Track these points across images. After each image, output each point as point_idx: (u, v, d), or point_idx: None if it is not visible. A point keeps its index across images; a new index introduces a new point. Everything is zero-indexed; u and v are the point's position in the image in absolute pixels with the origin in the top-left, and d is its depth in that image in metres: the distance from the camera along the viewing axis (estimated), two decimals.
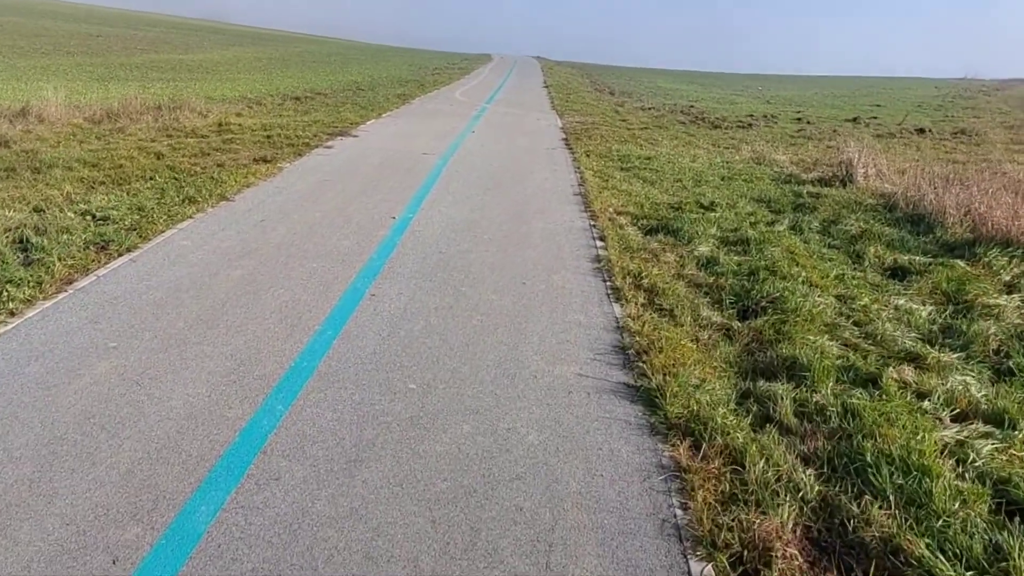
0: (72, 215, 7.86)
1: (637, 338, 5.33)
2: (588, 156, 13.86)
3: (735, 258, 7.49)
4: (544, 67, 69.56)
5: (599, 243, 8.06)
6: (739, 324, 5.75)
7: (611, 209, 9.55)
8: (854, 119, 26.42)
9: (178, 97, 20.10)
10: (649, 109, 27.23)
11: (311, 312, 5.63)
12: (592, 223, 8.94)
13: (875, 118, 27.23)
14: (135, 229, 7.50)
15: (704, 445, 3.84)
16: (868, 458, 3.62)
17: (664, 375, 4.61)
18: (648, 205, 9.90)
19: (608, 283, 6.72)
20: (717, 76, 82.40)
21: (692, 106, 29.29)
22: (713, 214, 9.46)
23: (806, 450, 3.82)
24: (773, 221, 9.27)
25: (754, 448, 3.75)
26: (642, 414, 4.28)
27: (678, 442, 3.90)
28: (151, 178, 9.82)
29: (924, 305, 6.22)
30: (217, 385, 4.42)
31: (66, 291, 5.88)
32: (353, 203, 9.17)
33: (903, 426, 3.91)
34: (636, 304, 6.08)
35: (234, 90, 24.55)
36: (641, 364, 4.85)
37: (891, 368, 4.78)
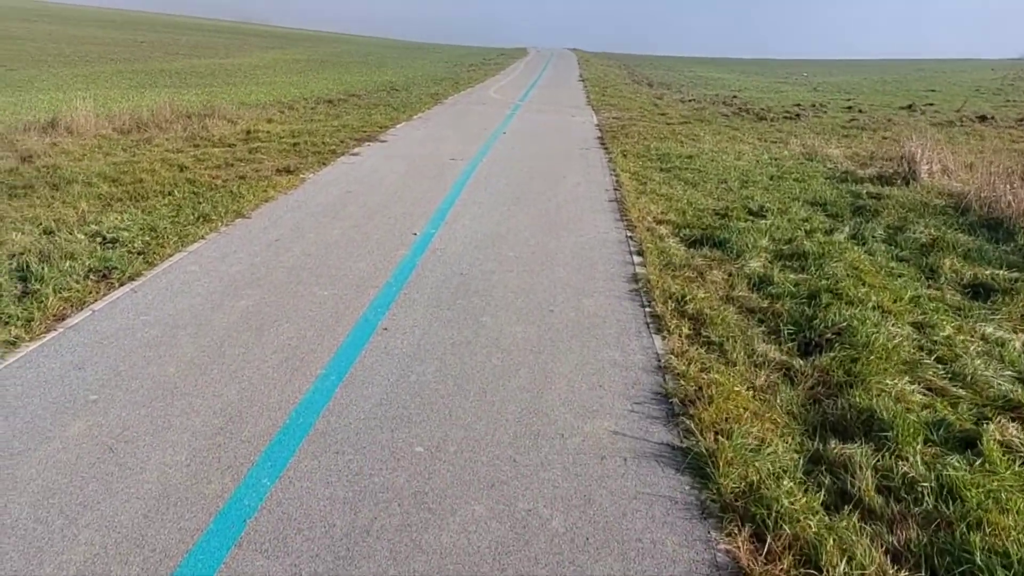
0: (82, 237, 7.44)
1: (682, 382, 4.64)
2: (625, 156, 13.11)
3: (792, 276, 6.73)
4: (580, 59, 68.57)
5: (637, 259, 7.36)
6: (801, 362, 5.01)
7: (650, 217, 8.83)
8: (909, 106, 25.16)
9: (211, 103, 19.83)
10: (689, 101, 26.27)
11: (315, 352, 5.05)
12: (629, 234, 8.24)
13: (931, 104, 25.91)
14: (143, 253, 7.04)
15: (768, 536, 3.15)
16: (977, 559, 2.88)
17: (716, 434, 3.93)
18: (691, 212, 9.15)
19: (647, 308, 6.02)
20: (758, 63, 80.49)
21: (735, 96, 28.24)
22: (764, 221, 8.68)
23: (896, 542, 3.10)
24: (831, 229, 8.45)
25: (831, 541, 3.04)
26: (690, 488, 3.60)
27: (736, 530, 3.22)
28: (170, 193, 9.38)
29: (1016, 333, 5.40)
30: (199, 450, 3.86)
31: (56, 330, 5.39)
32: (374, 218, 8.60)
33: (1018, 511, 3.16)
34: (680, 336, 5.38)
35: (269, 94, 24.27)
36: (687, 419, 4.16)
37: (990, 424, 4.00)
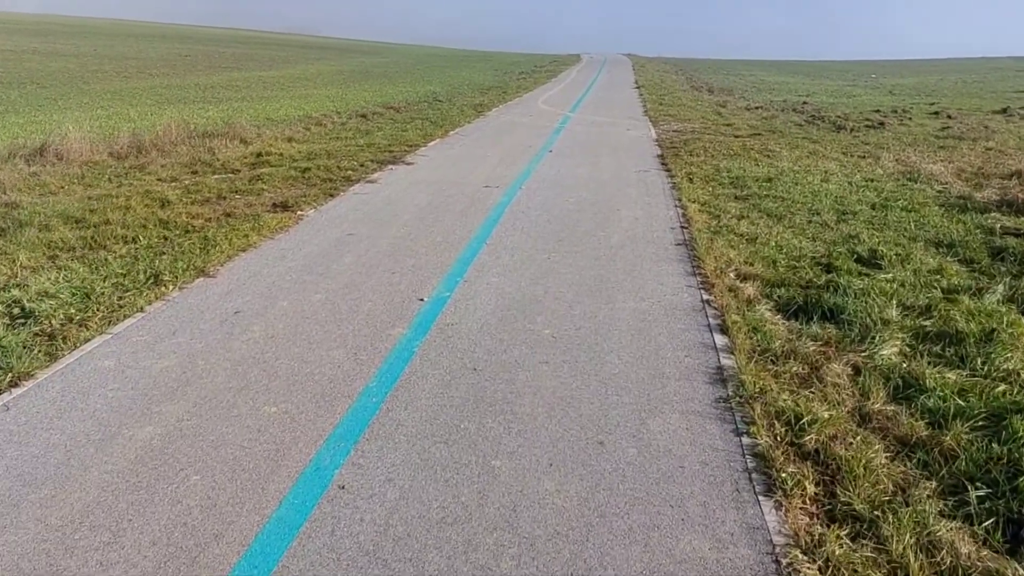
0: None
1: None
2: (691, 181, 11.02)
3: (950, 375, 4.61)
4: (635, 65, 66.21)
5: (719, 339, 5.32)
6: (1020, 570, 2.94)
7: (731, 270, 6.77)
8: (1003, 110, 22.45)
9: (233, 120, 18.39)
10: (756, 108, 23.94)
11: (223, 539, 3.16)
12: (705, 296, 6.20)
13: None
14: (53, 337, 5.28)
15: None
16: None
17: None
18: (783, 261, 7.06)
19: (745, 438, 3.99)
20: (821, 65, 77.08)
21: (804, 102, 25.79)
22: (882, 275, 6.55)
23: None
24: (978, 288, 6.27)
25: None
26: None
27: None
28: (133, 240, 7.71)
29: None
30: None
31: None
32: (373, 274, 6.73)
33: None
34: (804, 501, 3.37)
35: (300, 108, 22.81)
36: None
37: None
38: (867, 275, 6.58)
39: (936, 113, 22.13)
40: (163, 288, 6.30)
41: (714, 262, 6.97)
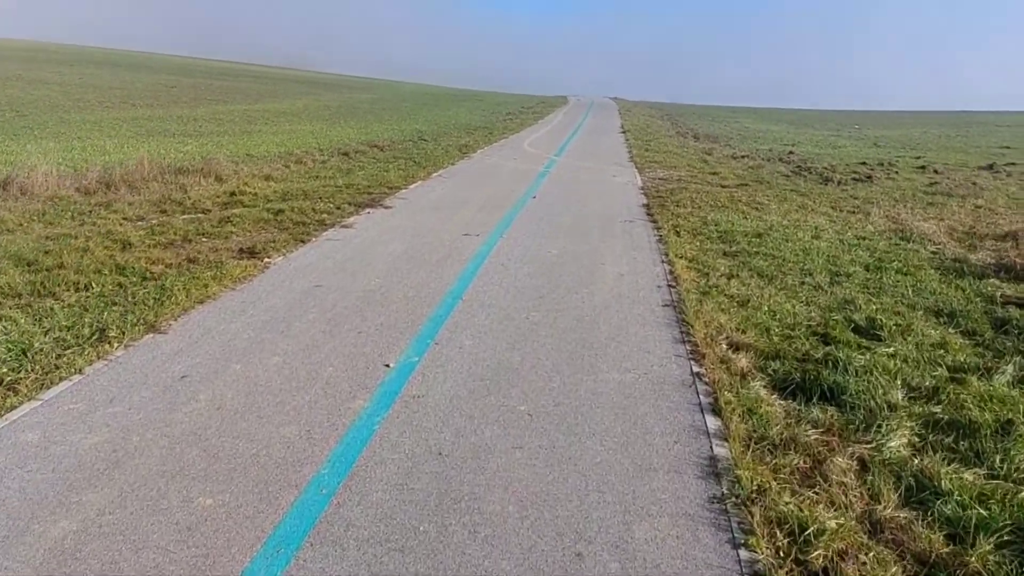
0: None
1: None
2: (678, 234, 10.63)
3: (967, 475, 4.16)
4: (621, 109, 66.63)
5: (712, 422, 4.85)
6: None
7: (722, 338, 6.32)
8: (989, 166, 22.40)
9: (211, 155, 17.96)
10: (743, 157, 23.78)
11: None
12: (696, 368, 5.74)
13: (1013, 164, 23.12)
14: None
15: None
16: None
17: None
18: (777, 329, 6.63)
19: (743, 551, 3.50)
20: (803, 114, 77.98)
21: (791, 152, 25.71)
22: (883, 349, 6.14)
23: None
24: (987, 368, 5.85)
25: None
26: None
27: None
28: (86, 287, 7.20)
29: None
30: None
31: None
32: (338, 333, 6.24)
33: None
34: None
35: (282, 144, 22.40)
36: None
37: None
38: (867, 348, 6.16)
39: (922, 167, 22.05)
40: (108, 346, 5.77)
41: (704, 328, 6.52)
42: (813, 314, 7.13)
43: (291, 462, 4.17)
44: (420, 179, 15.62)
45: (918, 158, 25.32)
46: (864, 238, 10.93)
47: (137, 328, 6.14)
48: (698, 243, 10.09)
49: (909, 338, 6.45)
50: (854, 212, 13.55)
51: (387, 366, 5.58)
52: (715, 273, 8.50)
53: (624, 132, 35.11)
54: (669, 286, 8.01)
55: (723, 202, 13.71)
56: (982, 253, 10.38)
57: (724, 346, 6.16)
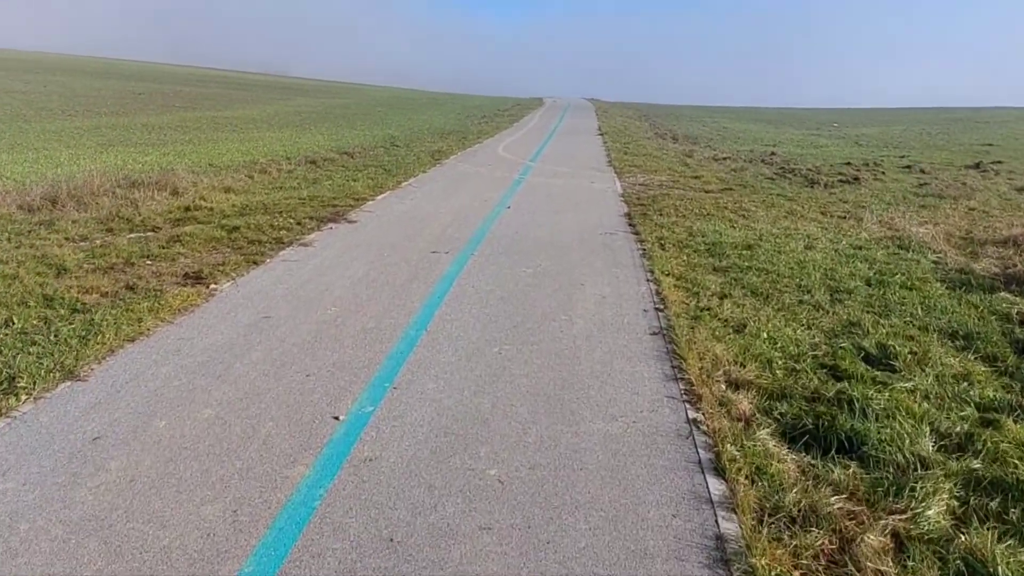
0: None
1: None
2: (663, 247, 9.93)
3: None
4: (598, 110, 66.02)
5: (715, 485, 4.13)
6: None
7: (720, 374, 5.62)
8: (976, 165, 21.95)
9: (171, 166, 17.11)
10: (724, 159, 23.18)
11: None
12: (692, 414, 5.02)
13: (999, 162, 22.67)
14: None
15: None
16: None
17: None
18: (780, 361, 5.93)
19: None
20: (780, 113, 77.87)
21: (772, 153, 25.15)
22: (902, 384, 5.44)
23: None
24: (1020, 406, 5.16)
25: None
26: None
27: None
28: (6, 323, 6.37)
29: None
30: None
31: None
32: (284, 376, 5.45)
33: None
34: None
35: (249, 153, 21.51)
36: None
37: None
38: (883, 384, 5.46)
39: (908, 167, 21.54)
40: (14, 399, 4.95)
41: (698, 361, 5.80)
42: (817, 339, 6.45)
43: (209, 557, 3.39)
44: (389, 189, 14.83)
45: (903, 157, 24.85)
46: (861, 247, 10.28)
47: (53, 375, 5.32)
48: (685, 257, 9.38)
49: (928, 368, 5.76)
50: (845, 217, 12.93)
51: (336, 419, 4.81)
52: (706, 292, 7.79)
53: (602, 134, 34.45)
54: (657, 309, 7.28)
55: (708, 209, 13.03)
56: (986, 261, 9.78)
57: (722, 384, 5.45)
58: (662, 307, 7.32)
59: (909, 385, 5.43)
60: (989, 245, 10.95)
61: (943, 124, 47.91)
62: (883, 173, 19.90)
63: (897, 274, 8.76)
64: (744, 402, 5.13)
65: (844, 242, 10.56)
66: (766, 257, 9.42)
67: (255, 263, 8.63)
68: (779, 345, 6.23)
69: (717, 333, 6.52)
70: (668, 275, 8.42)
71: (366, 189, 14.53)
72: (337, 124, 36.76)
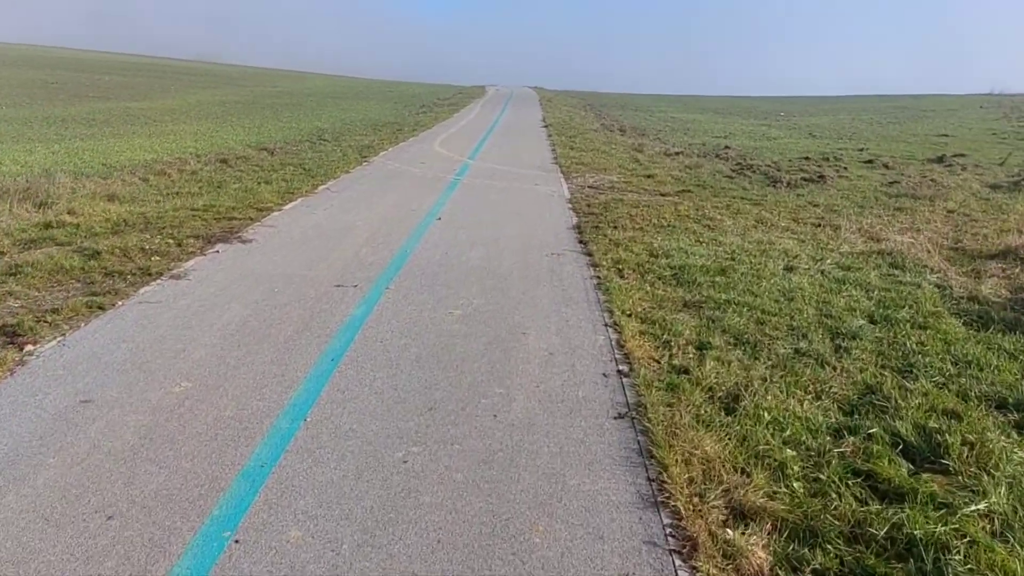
0: None
1: None
2: (620, 274, 8.23)
3: None
4: (543, 99, 64.18)
5: None
6: None
7: (718, 494, 3.92)
8: (939, 159, 20.83)
9: (58, 166, 14.87)
10: (676, 154, 21.64)
11: None
12: (684, 575, 3.30)
13: (962, 155, 21.61)
14: None
15: None
16: None
17: None
18: (796, 465, 4.28)
19: None
20: (726, 101, 77.23)
21: (727, 147, 23.73)
22: (971, 508, 3.81)
23: None
24: None
25: None
26: None
27: None
28: None
29: None
30: None
31: None
32: (76, 519, 3.59)
33: None
34: None
35: (154, 150, 19.18)
36: None
37: None
38: (945, 505, 3.84)
39: (870, 161, 20.30)
40: None
41: (684, 470, 4.11)
42: (832, 420, 4.81)
43: None
44: (303, 194, 12.85)
45: (861, 150, 23.65)
46: (849, 268, 8.76)
47: None
48: (648, 287, 7.69)
49: (994, 471, 4.17)
50: (820, 225, 11.44)
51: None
52: (679, 341, 6.12)
53: (546, 126, 32.69)
54: (619, 373, 5.56)
55: (668, 219, 11.38)
56: (991, 282, 8.37)
57: (722, 512, 3.75)
58: (627, 368, 5.60)
59: (981, 507, 3.82)
60: (987, 259, 9.56)
61: (889, 113, 47.42)
62: (845, 169, 18.60)
63: (903, 307, 7.24)
64: (758, 550, 3.45)
65: (828, 261, 9.03)
66: (744, 285, 7.80)
67: (102, 308, 6.66)
68: (788, 434, 4.57)
69: (703, 414, 4.83)
70: (630, 316, 6.72)
71: (275, 195, 12.53)
72: (263, 116, 34.27)
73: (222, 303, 6.86)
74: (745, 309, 6.98)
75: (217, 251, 8.80)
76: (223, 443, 4.35)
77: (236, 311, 6.65)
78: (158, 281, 7.53)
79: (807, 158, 20.66)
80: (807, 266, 8.81)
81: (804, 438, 4.54)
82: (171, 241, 9.13)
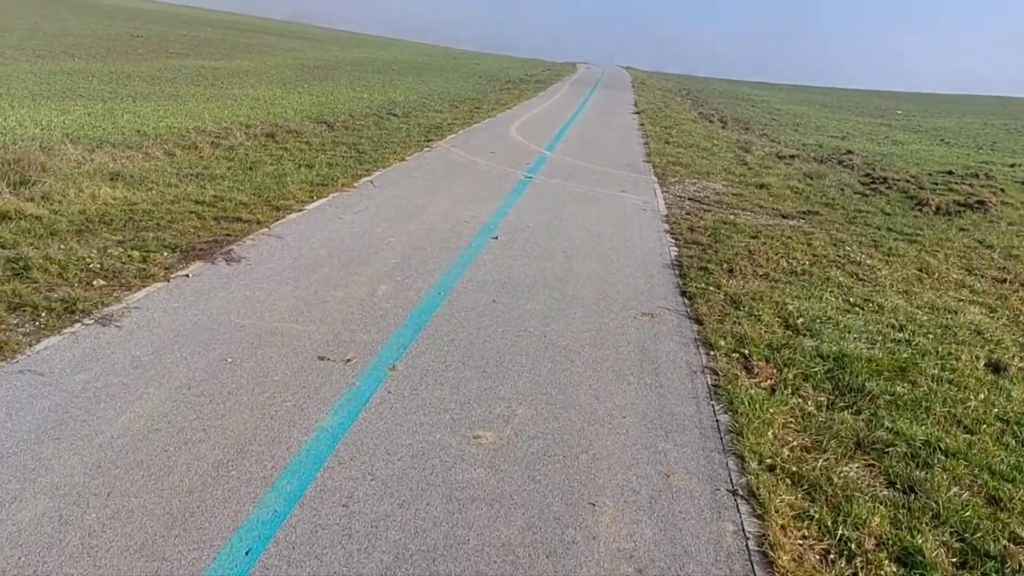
0: None
1: None
2: (747, 363, 5.51)
3: None
4: (635, 80, 60.45)
5: None
6: None
7: None
8: None
9: (81, 131, 12.99)
10: (791, 158, 18.45)
11: None
12: None
13: None
14: None
15: None
16: None
17: None
18: None
19: None
20: (833, 93, 72.00)
21: (848, 151, 20.34)
22: None
23: None
24: None
25: None
26: None
27: None
28: None
29: None
30: None
31: None
32: None
33: None
34: None
35: (202, 116, 17.11)
36: None
37: None
38: None
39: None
40: None
41: None
42: None
43: None
44: (338, 188, 10.48)
45: (1012, 166, 19.96)
46: None
47: None
48: (793, 400, 4.97)
49: None
50: (1005, 281, 8.42)
51: None
52: (864, 543, 3.42)
53: (638, 113, 29.61)
54: None
55: (800, 260, 8.53)
56: None
57: None
58: None
59: None
60: None
61: (1017, 116, 42.38)
62: (1003, 191, 15.19)
63: None
64: None
65: None
66: (941, 402, 5.02)
67: (26, 353, 4.36)
68: None
69: None
70: (772, 470, 4.04)
71: (304, 188, 10.19)
72: (338, 83, 32.24)
73: (133, 387, 4.48)
74: (961, 465, 4.21)
75: (187, 275, 6.46)
76: None
77: (141, 410, 4.25)
78: (75, 327, 5.22)
79: (950, 172, 17.23)
80: (1011, 355, 5.94)
81: None
82: (136, 253, 6.85)
